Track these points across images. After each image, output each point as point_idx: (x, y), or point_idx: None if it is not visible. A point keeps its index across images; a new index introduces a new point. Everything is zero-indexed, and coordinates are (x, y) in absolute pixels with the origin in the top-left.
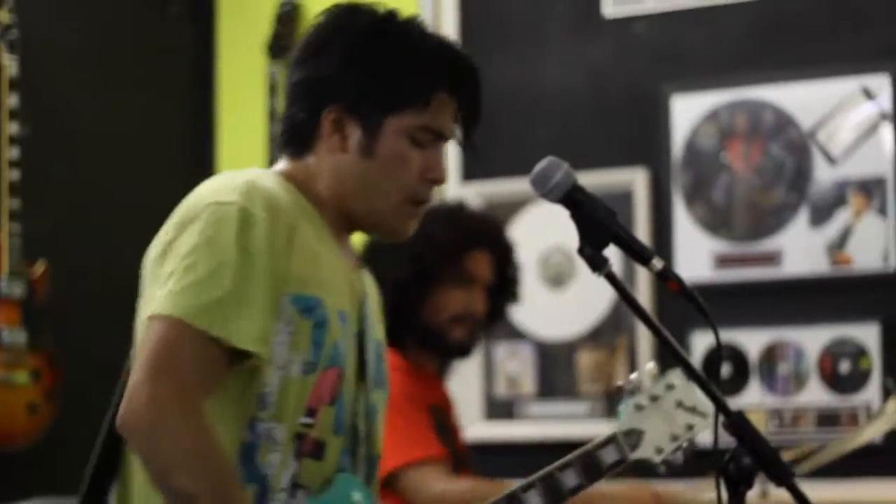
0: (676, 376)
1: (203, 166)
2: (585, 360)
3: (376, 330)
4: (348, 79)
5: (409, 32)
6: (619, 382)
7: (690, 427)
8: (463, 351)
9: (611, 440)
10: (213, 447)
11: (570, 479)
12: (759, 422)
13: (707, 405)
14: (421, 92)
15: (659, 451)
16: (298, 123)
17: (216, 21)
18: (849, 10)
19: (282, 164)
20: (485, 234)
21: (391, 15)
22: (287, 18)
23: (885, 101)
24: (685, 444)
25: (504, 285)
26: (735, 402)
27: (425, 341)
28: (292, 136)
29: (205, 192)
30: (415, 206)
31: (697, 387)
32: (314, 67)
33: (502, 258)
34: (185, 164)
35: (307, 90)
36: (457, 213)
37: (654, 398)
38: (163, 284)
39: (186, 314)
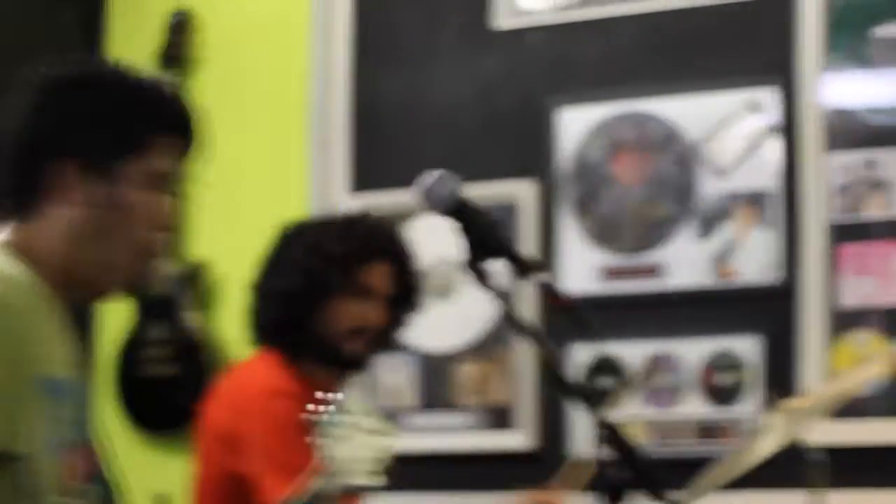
0: (352, 401)
1: None
2: (468, 372)
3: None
4: (66, 132)
5: (119, 78)
6: (311, 416)
7: (382, 444)
8: (358, 364)
9: (328, 474)
10: None
11: None
12: (639, 433)
13: (377, 419)
14: (140, 136)
15: (371, 474)
16: (16, 187)
17: (107, 30)
18: (737, 24)
19: (5, 235)
20: (382, 244)
21: (98, 65)
22: (179, 28)
23: (772, 115)
24: (388, 462)
25: (404, 296)
26: (616, 414)
27: (320, 354)
28: (13, 202)
29: None
30: (148, 257)
31: (564, 396)
32: (24, 126)
33: (401, 268)
34: None
35: (22, 150)
36: (352, 223)
37: (349, 426)
38: None
39: None
